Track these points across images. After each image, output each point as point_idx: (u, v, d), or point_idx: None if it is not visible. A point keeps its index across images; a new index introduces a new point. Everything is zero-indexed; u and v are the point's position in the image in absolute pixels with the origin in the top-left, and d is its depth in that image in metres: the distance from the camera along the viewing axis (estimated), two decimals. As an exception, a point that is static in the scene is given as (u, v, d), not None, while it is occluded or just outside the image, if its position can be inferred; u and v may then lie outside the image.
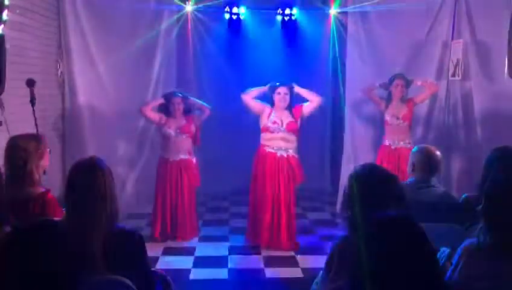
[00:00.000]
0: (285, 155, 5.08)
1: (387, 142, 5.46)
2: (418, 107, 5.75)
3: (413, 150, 3.37)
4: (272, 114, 5.09)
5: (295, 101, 5.19)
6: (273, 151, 5.08)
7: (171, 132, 5.22)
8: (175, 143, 5.25)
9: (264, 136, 5.15)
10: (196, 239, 5.38)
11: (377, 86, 5.53)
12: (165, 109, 5.29)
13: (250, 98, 5.15)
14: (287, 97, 5.08)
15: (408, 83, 5.40)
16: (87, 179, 2.07)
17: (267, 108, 5.13)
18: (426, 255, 1.59)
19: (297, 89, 5.17)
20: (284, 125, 5.06)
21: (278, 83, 5.11)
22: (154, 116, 5.28)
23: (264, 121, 5.11)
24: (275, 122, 5.07)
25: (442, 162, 3.34)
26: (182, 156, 5.28)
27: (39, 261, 1.48)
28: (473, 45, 5.42)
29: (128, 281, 1.84)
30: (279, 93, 5.07)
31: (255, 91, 5.16)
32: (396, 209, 1.94)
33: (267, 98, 5.19)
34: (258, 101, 5.17)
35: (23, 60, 4.60)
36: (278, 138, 5.08)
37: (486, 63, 5.23)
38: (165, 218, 5.29)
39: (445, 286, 1.72)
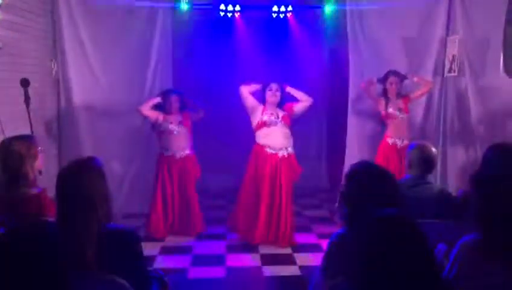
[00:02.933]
0: (286, 155, 5.10)
1: (390, 141, 5.41)
2: (415, 104, 5.75)
3: (409, 147, 3.38)
4: (266, 110, 5.14)
5: (288, 101, 5.24)
6: (273, 152, 5.07)
7: (174, 126, 5.26)
8: (178, 138, 5.29)
9: (261, 133, 5.14)
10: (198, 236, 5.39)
11: (375, 81, 5.52)
12: (161, 107, 5.32)
13: (248, 91, 5.18)
14: (278, 94, 5.13)
15: (402, 79, 5.40)
16: (74, 179, 2.07)
17: (259, 106, 5.17)
18: (424, 253, 1.59)
19: (289, 89, 5.23)
20: (280, 118, 5.09)
21: (271, 82, 5.18)
22: (152, 114, 5.31)
23: (259, 117, 5.12)
24: (271, 114, 5.09)
25: (437, 159, 3.34)
26: (186, 152, 5.34)
27: (33, 263, 1.46)
28: (469, 41, 5.42)
29: (124, 282, 1.83)
30: (270, 89, 5.13)
31: (252, 86, 5.20)
32: (392, 206, 1.93)
33: (261, 98, 5.22)
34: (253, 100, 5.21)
35: (17, 59, 4.58)
36: (276, 133, 5.08)
37: (482, 59, 5.23)
38: (167, 215, 5.33)
39: (442, 283, 1.71)
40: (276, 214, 5.08)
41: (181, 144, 5.32)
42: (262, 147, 5.12)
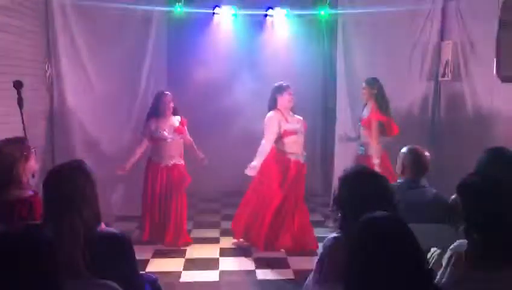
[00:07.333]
0: (303, 162, 5.09)
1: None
2: (408, 108, 5.80)
3: (403, 150, 3.37)
4: (286, 116, 5.01)
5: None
6: (297, 159, 5.04)
7: (166, 134, 5.08)
8: (169, 147, 5.10)
9: (289, 141, 4.99)
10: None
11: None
12: (155, 110, 5.15)
13: (267, 151, 4.98)
14: (294, 98, 5.08)
15: (372, 85, 5.24)
16: (55, 180, 2.06)
17: (276, 119, 4.97)
18: (415, 256, 1.59)
19: None
20: (302, 126, 5.07)
21: (284, 84, 5.06)
22: (141, 151, 5.21)
23: (285, 126, 4.96)
24: (297, 122, 5.04)
25: (430, 163, 3.34)
26: (174, 161, 5.16)
27: (24, 266, 1.45)
28: (462, 46, 5.46)
29: (115, 285, 1.82)
30: (290, 93, 5.02)
31: (261, 156, 4.98)
32: (387, 210, 1.93)
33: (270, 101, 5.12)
34: (271, 128, 4.96)
35: (11, 61, 4.55)
36: (299, 142, 5.05)
37: (475, 64, 5.26)
38: (154, 222, 5.19)
39: (435, 287, 1.71)
40: (298, 221, 5.10)
41: (171, 152, 5.13)
42: (286, 154, 4.99)
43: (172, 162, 5.15)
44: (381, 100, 5.14)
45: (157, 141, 5.13)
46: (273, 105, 5.06)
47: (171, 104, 5.14)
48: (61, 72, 5.61)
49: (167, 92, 5.22)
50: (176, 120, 5.18)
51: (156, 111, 5.13)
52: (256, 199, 5.14)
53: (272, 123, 4.96)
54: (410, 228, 1.63)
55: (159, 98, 5.15)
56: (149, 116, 5.16)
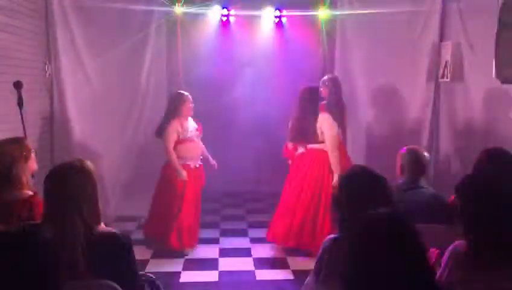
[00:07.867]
0: None
1: None
2: (407, 109, 5.78)
3: (402, 151, 3.38)
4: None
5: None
6: None
7: (193, 133, 5.03)
8: (196, 146, 5.07)
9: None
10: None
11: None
12: (177, 111, 4.96)
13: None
14: None
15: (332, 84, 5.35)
16: (57, 179, 2.06)
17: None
18: (415, 255, 1.59)
19: None
20: None
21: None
22: (172, 145, 4.94)
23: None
24: None
25: (430, 163, 3.35)
26: (199, 162, 5.15)
27: (22, 267, 1.46)
28: (462, 47, 5.46)
29: (115, 285, 1.82)
30: None
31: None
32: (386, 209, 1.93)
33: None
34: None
35: (11, 61, 4.56)
36: None
37: (474, 64, 5.26)
38: (163, 223, 5.00)
39: (435, 286, 1.71)
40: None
41: (198, 152, 5.10)
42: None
43: (198, 163, 5.14)
44: (333, 100, 5.28)
45: (185, 142, 5.00)
46: (317, 107, 4.88)
47: (192, 105, 5.05)
48: (61, 72, 5.61)
49: (187, 93, 5.09)
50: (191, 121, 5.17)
51: (179, 112, 4.97)
52: (297, 201, 4.90)
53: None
54: (410, 227, 1.62)
55: (180, 99, 5.01)
56: (169, 119, 4.97)
